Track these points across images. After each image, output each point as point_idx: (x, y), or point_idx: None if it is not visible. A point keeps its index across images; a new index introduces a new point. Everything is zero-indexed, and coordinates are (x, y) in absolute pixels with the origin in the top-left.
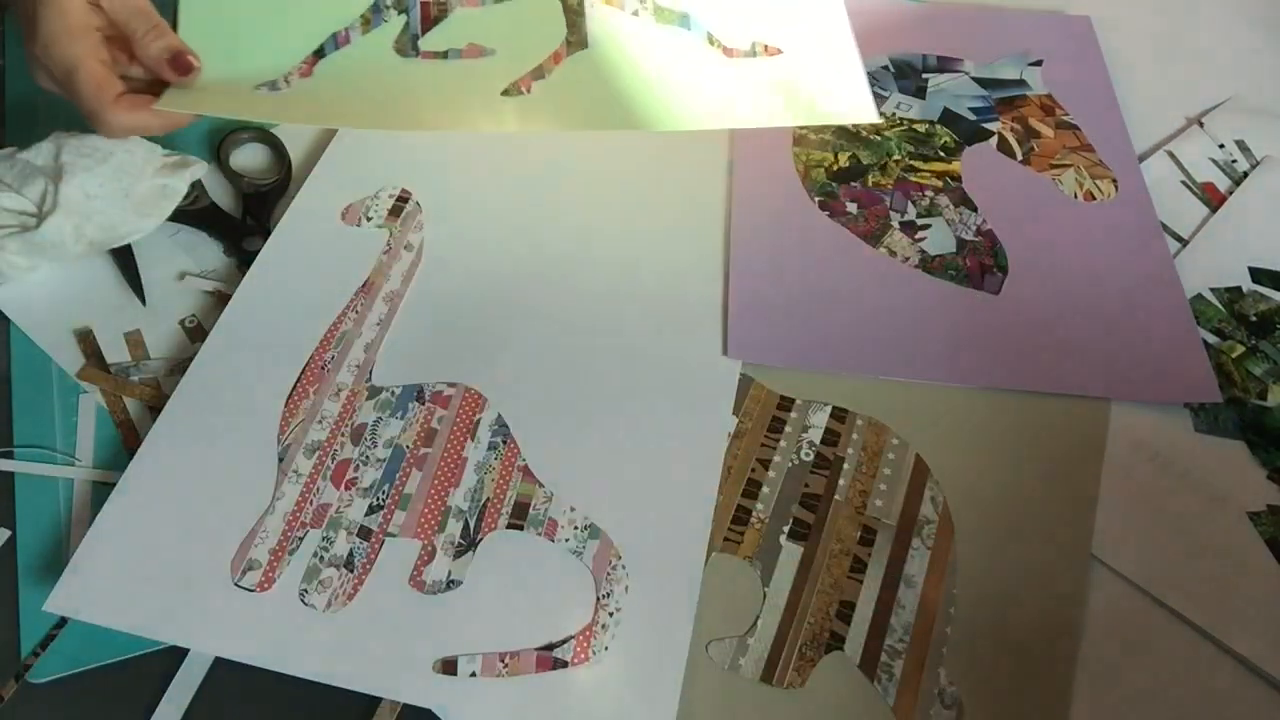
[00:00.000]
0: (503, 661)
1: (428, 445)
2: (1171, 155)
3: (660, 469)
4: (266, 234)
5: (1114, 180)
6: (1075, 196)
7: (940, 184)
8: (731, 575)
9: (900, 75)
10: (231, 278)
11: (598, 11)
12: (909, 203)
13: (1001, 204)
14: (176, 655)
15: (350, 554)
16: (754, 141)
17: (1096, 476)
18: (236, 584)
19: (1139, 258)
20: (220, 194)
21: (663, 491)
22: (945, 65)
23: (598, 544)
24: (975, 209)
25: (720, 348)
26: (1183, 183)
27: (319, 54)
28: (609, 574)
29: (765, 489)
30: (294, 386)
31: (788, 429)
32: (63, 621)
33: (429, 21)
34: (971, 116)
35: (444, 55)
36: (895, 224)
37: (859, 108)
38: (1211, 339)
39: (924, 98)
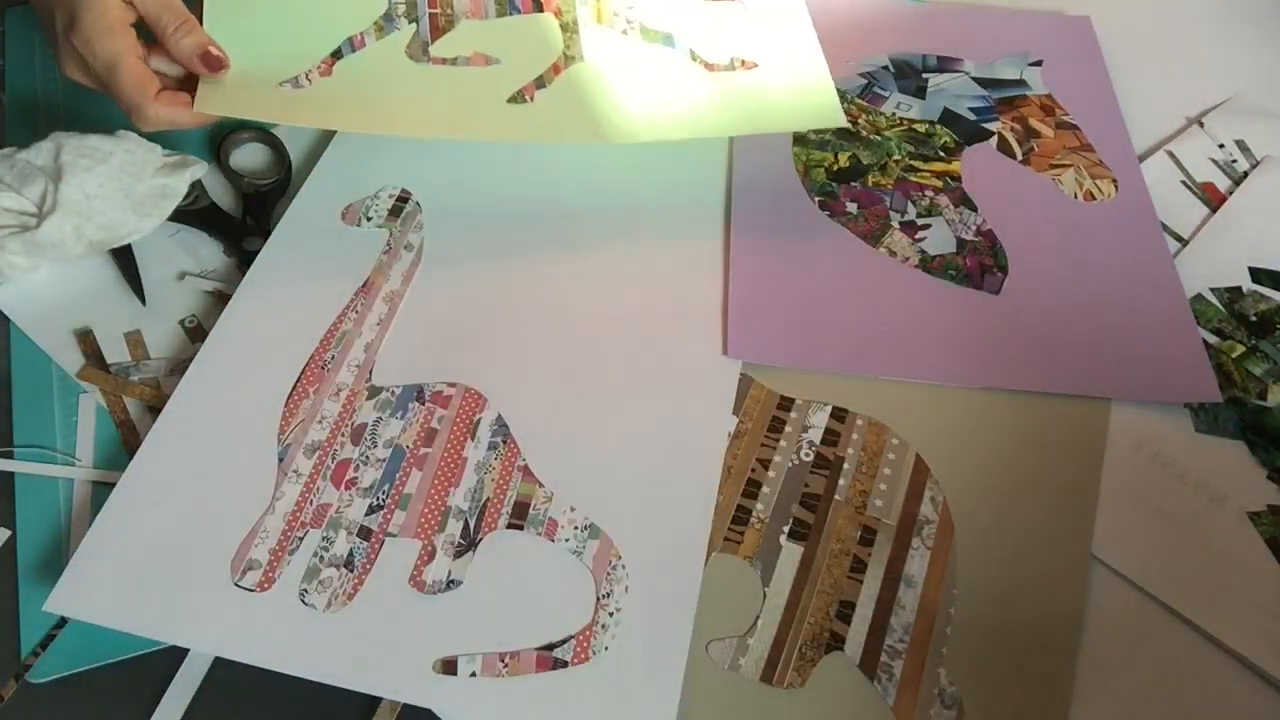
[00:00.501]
0: (503, 661)
1: (428, 445)
2: (1171, 155)
3: (660, 469)
4: (266, 234)
5: (1114, 180)
6: (1075, 196)
7: (940, 184)
8: (731, 575)
9: (900, 75)
10: (231, 278)
11: (590, 30)
12: (909, 203)
13: (1001, 204)
14: (176, 655)
15: (350, 554)
16: (754, 141)
17: (1096, 476)
18: (236, 584)
19: (1139, 258)
20: (220, 194)
21: (663, 491)
22: (945, 65)
23: (598, 544)
24: (975, 209)
25: (720, 348)
26: (1183, 183)
27: (336, 55)
28: (609, 574)
29: (765, 489)
30: (294, 386)
31: (788, 429)
32: (63, 621)
33: (437, 31)
34: (971, 116)
35: (453, 61)
36: (895, 224)
37: (828, 112)
38: (1211, 339)
39: (924, 98)
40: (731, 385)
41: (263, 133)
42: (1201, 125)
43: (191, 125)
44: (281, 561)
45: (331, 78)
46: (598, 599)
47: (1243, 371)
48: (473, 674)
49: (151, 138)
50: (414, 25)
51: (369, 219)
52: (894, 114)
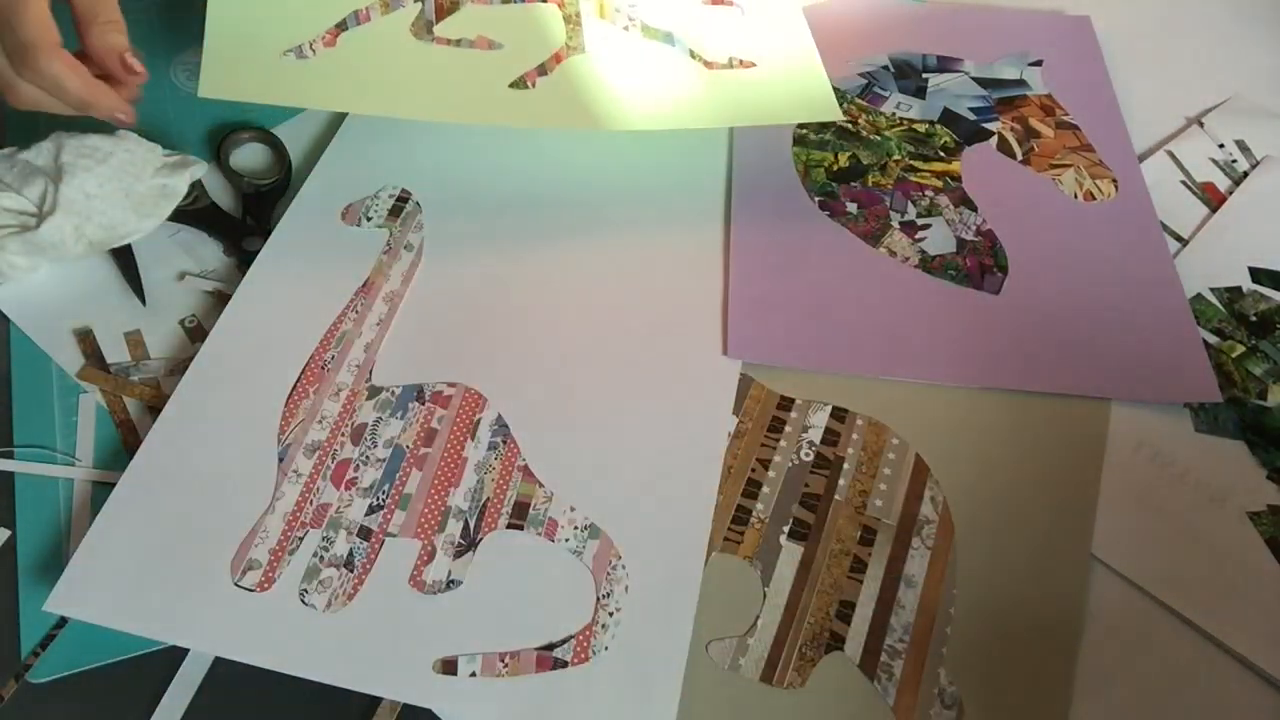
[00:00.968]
0: (503, 661)
1: (428, 445)
2: (1171, 155)
3: (660, 469)
4: (266, 234)
5: (1114, 180)
6: (1075, 196)
7: (940, 184)
8: (731, 575)
9: (900, 75)
10: (231, 278)
11: (592, 23)
12: (909, 203)
13: (1001, 204)
14: (176, 655)
15: (350, 554)
16: (754, 141)
17: (1096, 476)
18: (236, 584)
19: (1139, 258)
20: (220, 194)
21: (663, 491)
22: (945, 65)
23: (598, 544)
24: (975, 209)
25: (720, 348)
26: (1183, 183)
27: (341, 27)
28: (609, 574)
29: (765, 489)
30: (294, 386)
31: (788, 429)
32: (63, 621)
33: (442, 12)
34: (971, 116)
35: (457, 43)
36: (895, 224)
37: (825, 106)
38: (1211, 339)
39: (924, 98)
40: (731, 385)
41: (263, 133)
42: (1201, 125)
43: (74, 101)
44: (281, 561)
45: (336, 49)
46: (598, 599)
47: (1243, 371)
48: (473, 674)
49: (152, 138)
50: (419, 4)
51: (369, 219)
52: (894, 114)
